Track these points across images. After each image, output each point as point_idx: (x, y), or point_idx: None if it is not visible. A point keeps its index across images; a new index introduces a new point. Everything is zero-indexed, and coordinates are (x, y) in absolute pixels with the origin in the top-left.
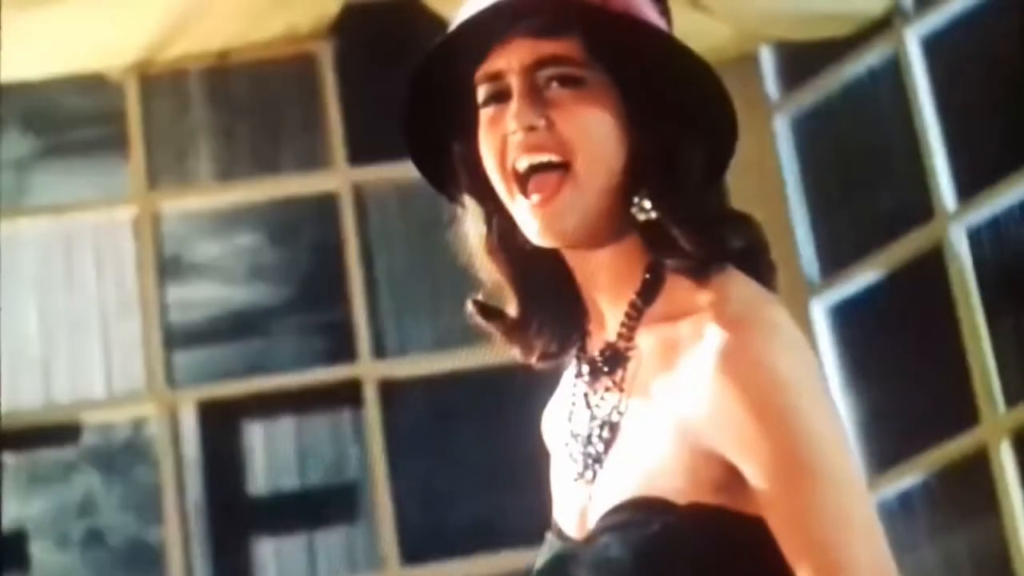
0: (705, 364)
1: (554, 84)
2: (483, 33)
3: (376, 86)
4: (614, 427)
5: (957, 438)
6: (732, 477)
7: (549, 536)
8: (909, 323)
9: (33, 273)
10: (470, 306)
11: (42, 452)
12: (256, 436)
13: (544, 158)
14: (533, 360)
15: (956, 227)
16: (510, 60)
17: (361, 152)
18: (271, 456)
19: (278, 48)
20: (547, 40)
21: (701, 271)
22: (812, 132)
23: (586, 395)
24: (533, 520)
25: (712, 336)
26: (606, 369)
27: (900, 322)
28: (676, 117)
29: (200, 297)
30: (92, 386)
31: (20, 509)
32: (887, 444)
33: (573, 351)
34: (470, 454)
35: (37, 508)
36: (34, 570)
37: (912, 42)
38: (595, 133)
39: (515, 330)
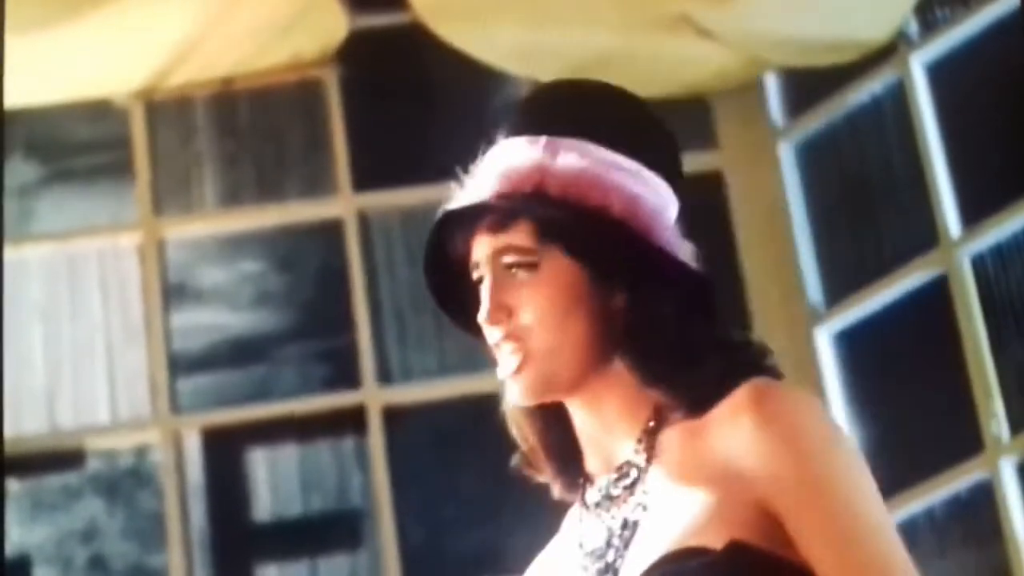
0: (743, 421)
1: (515, 270)
2: (462, 226)
3: (381, 112)
4: (635, 524)
5: (962, 465)
6: (772, 525)
7: None
8: (914, 350)
9: (38, 299)
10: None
11: (46, 478)
12: (260, 463)
13: (507, 346)
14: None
15: (961, 254)
16: (479, 253)
17: (366, 178)
18: (275, 483)
19: (283, 74)
20: (502, 233)
21: (699, 408)
22: (817, 159)
23: (598, 517)
24: (536, 547)
25: (746, 399)
26: (615, 494)
27: (905, 349)
28: (633, 278)
29: (205, 323)
30: (96, 412)
31: (24, 535)
32: (892, 471)
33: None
34: (474, 481)
35: (41, 534)
36: None
37: (917, 69)
38: (548, 313)
39: (542, 471)
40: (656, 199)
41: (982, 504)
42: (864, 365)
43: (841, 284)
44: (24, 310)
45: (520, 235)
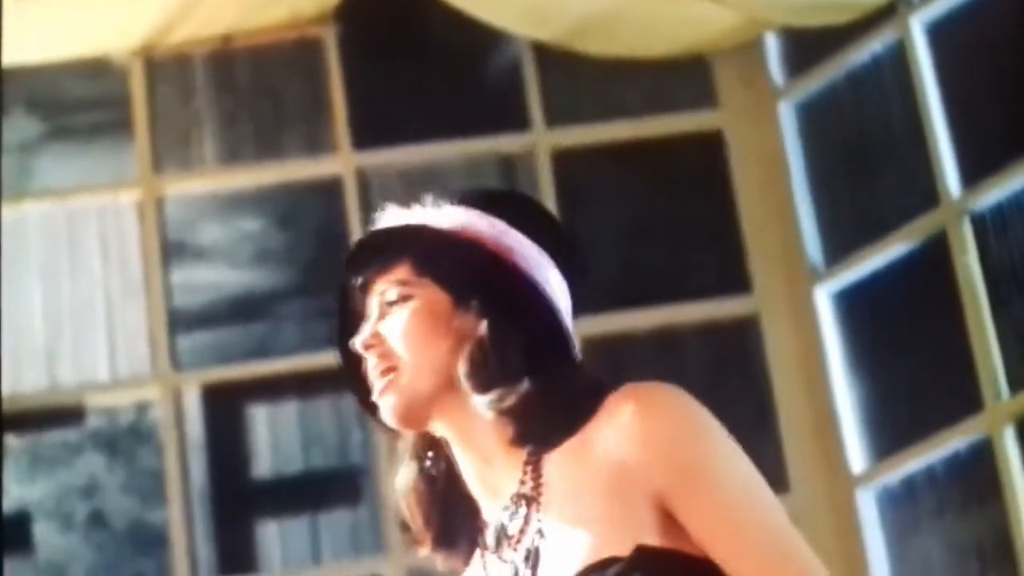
0: (622, 420)
1: (391, 305)
2: (362, 285)
3: (380, 70)
4: (536, 551)
5: (961, 424)
6: (670, 521)
7: None
8: (914, 310)
9: (37, 256)
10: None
11: (46, 434)
12: (260, 419)
13: (376, 370)
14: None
15: (961, 214)
16: (370, 296)
17: (365, 136)
18: (275, 439)
19: (282, 32)
20: (387, 273)
21: (546, 439)
22: (817, 118)
23: (499, 557)
24: None
25: (621, 399)
26: (508, 526)
27: (904, 309)
28: (491, 305)
29: (204, 281)
30: (96, 369)
31: (24, 491)
32: (891, 430)
33: (472, 548)
34: None
35: (41, 490)
36: (37, 552)
37: (916, 29)
38: (409, 335)
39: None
40: (533, 256)
41: (981, 463)
42: (864, 324)
43: (841, 243)
44: (24, 267)
45: (400, 272)
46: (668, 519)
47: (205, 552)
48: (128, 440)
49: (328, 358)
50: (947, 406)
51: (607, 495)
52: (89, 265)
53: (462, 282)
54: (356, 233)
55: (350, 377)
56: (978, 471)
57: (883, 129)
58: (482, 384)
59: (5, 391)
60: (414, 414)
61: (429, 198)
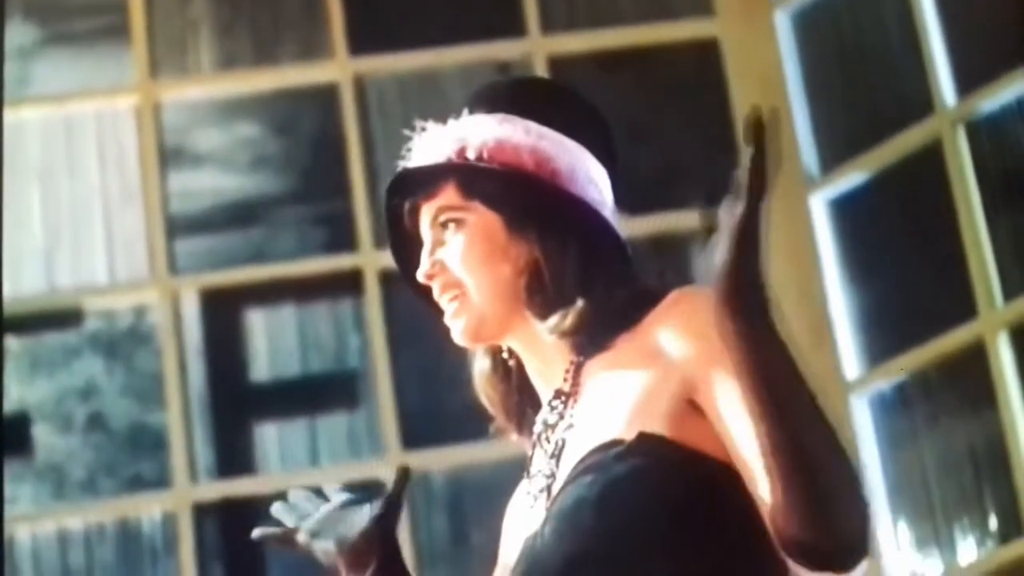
0: (670, 317)
1: (447, 227)
2: (408, 201)
3: None
4: (563, 442)
5: (955, 331)
6: (693, 417)
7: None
8: (908, 217)
9: (36, 161)
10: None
11: (45, 337)
12: (258, 323)
13: (445, 296)
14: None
15: (956, 122)
16: (423, 225)
17: (362, 43)
18: (272, 343)
19: None
20: (434, 198)
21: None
22: (813, 26)
23: (542, 448)
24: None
25: (672, 300)
26: (551, 421)
27: (899, 216)
28: (544, 225)
29: (202, 186)
30: (95, 273)
31: (23, 393)
32: (885, 337)
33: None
34: None
35: (40, 392)
36: (37, 453)
37: None
38: (470, 259)
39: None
40: (573, 162)
41: (975, 369)
42: (859, 232)
43: (836, 151)
44: (23, 172)
45: (447, 196)
46: (693, 415)
47: (203, 453)
48: (127, 343)
49: (325, 263)
50: (941, 313)
51: (637, 387)
52: (87, 170)
53: (511, 204)
54: (353, 138)
55: (418, 294)
56: (972, 376)
57: (879, 38)
58: (541, 310)
59: (5, 294)
60: (484, 334)
61: (463, 107)
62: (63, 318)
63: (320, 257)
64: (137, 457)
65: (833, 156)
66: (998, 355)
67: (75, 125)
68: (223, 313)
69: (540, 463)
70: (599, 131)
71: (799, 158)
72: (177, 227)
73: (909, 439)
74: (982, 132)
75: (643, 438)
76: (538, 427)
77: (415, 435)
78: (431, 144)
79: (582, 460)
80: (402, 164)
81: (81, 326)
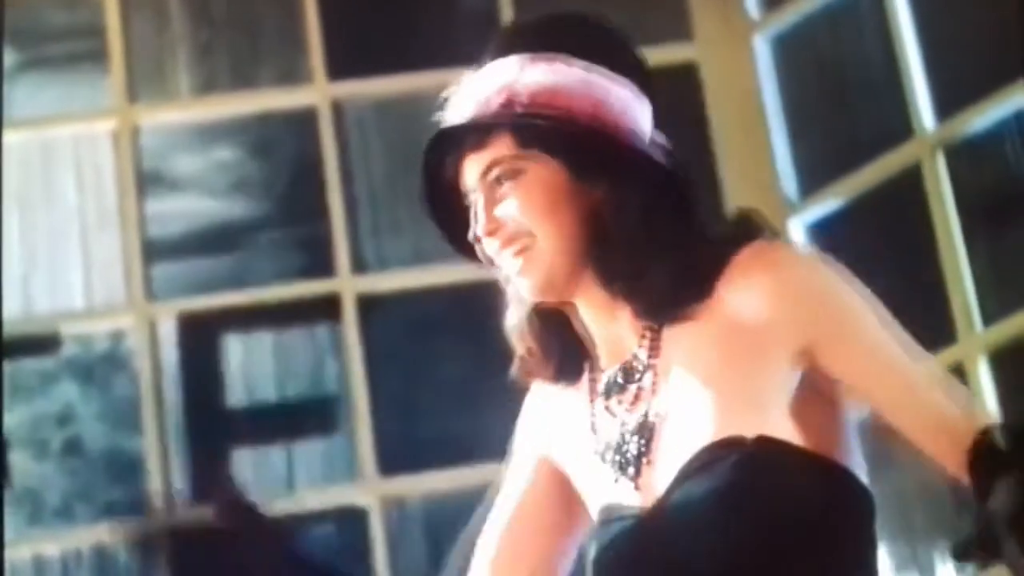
0: (755, 279)
1: (501, 182)
2: (450, 153)
3: (355, 1)
4: (651, 427)
5: (935, 356)
6: (809, 384)
7: (598, 527)
8: (887, 242)
9: (13, 185)
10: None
11: (21, 362)
12: (235, 349)
13: (507, 251)
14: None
15: (935, 146)
16: (470, 178)
17: (340, 67)
18: (249, 368)
19: None
20: (484, 150)
21: (660, 311)
22: (793, 51)
23: (607, 408)
24: (509, 433)
25: (750, 258)
26: (622, 383)
27: (878, 241)
28: (608, 174)
29: (179, 210)
30: (72, 297)
31: None
32: None
33: (582, 378)
34: (447, 368)
35: (16, 417)
36: (13, 478)
37: None
38: (536, 211)
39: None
40: (622, 102)
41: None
42: (838, 257)
43: (815, 176)
44: None
45: (501, 147)
46: (808, 382)
47: (180, 479)
48: (103, 368)
49: (303, 288)
50: (920, 339)
51: (737, 361)
52: (65, 194)
53: (575, 152)
54: (331, 163)
55: (461, 252)
56: None
57: (858, 62)
58: (608, 270)
59: None
60: (555, 289)
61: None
62: (39, 343)
63: (298, 282)
64: (113, 483)
65: (812, 181)
66: (978, 380)
67: (52, 149)
68: (200, 338)
69: (610, 430)
70: (636, 61)
71: (778, 183)
72: (154, 252)
73: (894, 465)
74: (961, 156)
75: (764, 442)
76: (603, 385)
77: (392, 461)
78: (473, 95)
79: (697, 457)
80: (442, 118)
81: (58, 351)
